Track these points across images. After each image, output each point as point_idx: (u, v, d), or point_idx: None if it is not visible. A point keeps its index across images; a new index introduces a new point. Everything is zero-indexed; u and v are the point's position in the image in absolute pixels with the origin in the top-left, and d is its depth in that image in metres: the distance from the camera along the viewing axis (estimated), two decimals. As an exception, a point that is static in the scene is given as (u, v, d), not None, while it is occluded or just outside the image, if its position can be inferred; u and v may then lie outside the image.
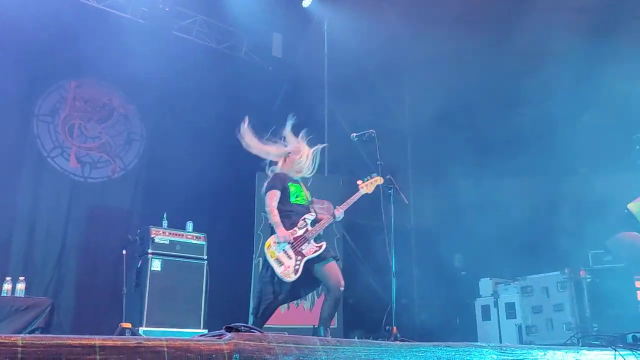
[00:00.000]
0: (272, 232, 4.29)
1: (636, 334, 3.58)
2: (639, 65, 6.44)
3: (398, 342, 3.61)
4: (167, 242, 5.95)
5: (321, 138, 8.08)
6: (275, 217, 4.22)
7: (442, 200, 8.71)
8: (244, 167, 6.30)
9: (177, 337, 1.95)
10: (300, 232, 4.22)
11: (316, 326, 4.30)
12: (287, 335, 2.22)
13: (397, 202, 4.63)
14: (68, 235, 6.76)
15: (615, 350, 3.28)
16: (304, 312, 6.86)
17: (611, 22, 6.39)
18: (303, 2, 7.98)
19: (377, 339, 3.85)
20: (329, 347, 2.21)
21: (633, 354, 3.33)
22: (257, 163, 4.75)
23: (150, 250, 5.81)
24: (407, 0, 7.54)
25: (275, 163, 4.53)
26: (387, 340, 4.03)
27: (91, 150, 7.24)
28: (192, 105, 7.68)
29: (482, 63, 7.51)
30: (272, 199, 4.28)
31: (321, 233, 4.32)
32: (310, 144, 4.54)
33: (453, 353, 2.58)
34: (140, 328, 5.44)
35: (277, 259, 4.13)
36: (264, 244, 4.31)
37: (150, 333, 5.36)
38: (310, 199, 4.48)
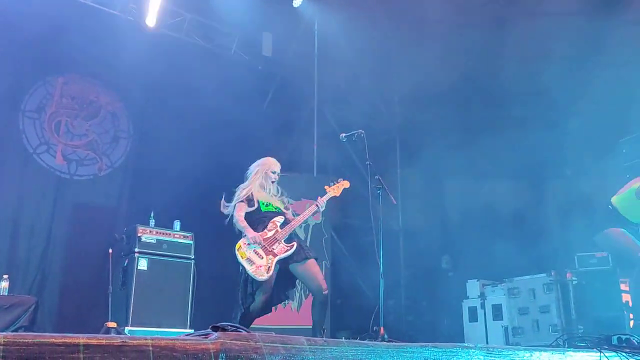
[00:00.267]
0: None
1: (621, 336, 3.61)
2: (625, 68, 6.51)
3: (385, 342, 3.62)
4: (154, 241, 5.91)
5: (310, 138, 8.12)
6: (242, 222, 4.34)
7: (430, 201, 8.75)
8: (232, 165, 6.26)
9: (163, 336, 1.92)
10: (270, 234, 4.33)
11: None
12: (274, 334, 2.21)
13: (385, 203, 4.64)
14: (53, 233, 6.66)
15: (601, 352, 3.30)
16: (291, 312, 6.85)
17: (599, 25, 6.44)
18: (293, 1, 7.95)
19: (364, 340, 3.85)
20: (316, 347, 2.19)
21: (618, 355, 3.35)
22: (246, 162, 4.75)
23: (136, 249, 5.77)
24: (397, 1, 7.56)
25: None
26: (375, 340, 4.03)
27: (78, 148, 7.16)
28: (180, 104, 7.61)
29: (472, 64, 7.54)
30: (238, 211, 4.41)
31: (298, 234, 4.36)
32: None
33: (440, 354, 2.58)
34: (126, 327, 5.39)
35: (248, 258, 4.21)
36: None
37: (136, 332, 5.32)
38: (283, 206, 4.57)
